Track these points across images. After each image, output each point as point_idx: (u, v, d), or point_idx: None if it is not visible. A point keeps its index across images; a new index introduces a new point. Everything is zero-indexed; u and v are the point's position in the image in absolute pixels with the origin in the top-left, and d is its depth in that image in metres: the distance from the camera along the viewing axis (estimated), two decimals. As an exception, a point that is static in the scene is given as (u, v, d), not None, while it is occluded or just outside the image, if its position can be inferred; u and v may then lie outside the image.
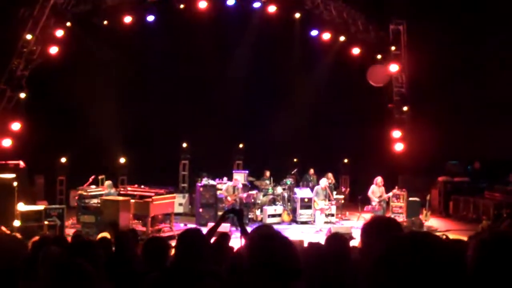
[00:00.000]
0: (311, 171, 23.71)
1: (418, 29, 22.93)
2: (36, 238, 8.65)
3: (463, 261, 2.15)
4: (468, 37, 22.77)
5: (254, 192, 21.91)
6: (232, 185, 20.73)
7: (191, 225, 19.83)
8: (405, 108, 23.82)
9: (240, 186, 20.95)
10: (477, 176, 24.19)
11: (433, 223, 21.00)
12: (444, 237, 8.90)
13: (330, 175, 22.35)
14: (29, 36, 21.00)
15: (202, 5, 22.70)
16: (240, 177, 22.05)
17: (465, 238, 8.86)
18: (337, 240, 6.01)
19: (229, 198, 20.41)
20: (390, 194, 20.51)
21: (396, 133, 23.54)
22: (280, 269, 3.10)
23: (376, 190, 19.61)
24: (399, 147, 23.41)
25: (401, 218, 20.40)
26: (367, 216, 20.25)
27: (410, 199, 21.07)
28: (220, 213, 19.53)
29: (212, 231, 6.51)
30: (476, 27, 22.38)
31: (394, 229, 3.79)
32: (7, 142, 20.90)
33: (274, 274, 3.10)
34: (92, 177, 20.89)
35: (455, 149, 24.00)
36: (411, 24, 23.23)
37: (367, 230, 3.94)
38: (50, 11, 21.02)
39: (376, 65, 23.45)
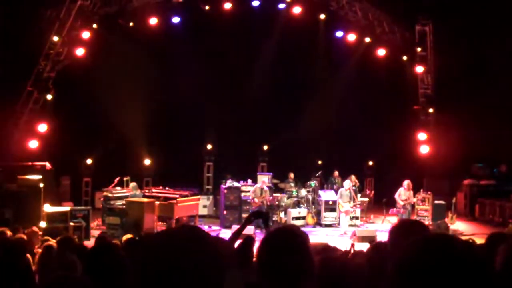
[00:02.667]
0: (336, 173, 23.63)
1: (445, 29, 22.74)
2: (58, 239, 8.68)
3: (487, 264, 2.12)
4: (495, 37, 22.54)
5: (279, 194, 21.87)
6: (259, 187, 20.71)
7: (216, 227, 19.89)
8: (430, 110, 23.61)
9: (267, 188, 20.92)
10: (503, 179, 23.93)
11: (458, 226, 20.81)
12: (470, 241, 8.78)
13: (353, 177, 22.24)
14: (55, 38, 21.17)
15: (227, 6, 22.71)
16: (264, 179, 22.00)
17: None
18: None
19: (256, 200, 20.38)
20: (415, 199, 20.35)
21: (422, 135, 23.30)
22: (286, 269, 3.06)
23: (403, 193, 19.50)
24: (424, 149, 23.18)
25: (426, 222, 20.23)
26: (392, 219, 20.17)
27: (436, 202, 20.90)
28: (244, 215, 19.54)
29: (237, 234, 6.48)
30: (503, 28, 22.13)
31: (420, 231, 3.77)
32: (33, 144, 21.07)
33: (280, 273, 3.06)
34: (117, 178, 20.99)
35: (481, 152, 23.77)
36: (437, 25, 23.03)
37: (394, 233, 3.94)
38: (76, 13, 21.17)
39: None
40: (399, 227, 3.99)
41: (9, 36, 21.29)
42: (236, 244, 7.04)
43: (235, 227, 9.20)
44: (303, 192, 22.18)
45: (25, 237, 10.20)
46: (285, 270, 3.03)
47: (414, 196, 20.13)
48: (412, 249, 2.08)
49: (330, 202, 21.33)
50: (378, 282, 4.99)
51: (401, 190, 19.60)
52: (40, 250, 9.92)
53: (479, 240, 10.21)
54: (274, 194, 21.56)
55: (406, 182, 19.62)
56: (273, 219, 20.89)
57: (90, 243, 15.55)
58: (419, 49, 23.20)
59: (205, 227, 19.82)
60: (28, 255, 7.61)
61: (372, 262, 5.64)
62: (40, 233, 11.43)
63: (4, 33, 21.69)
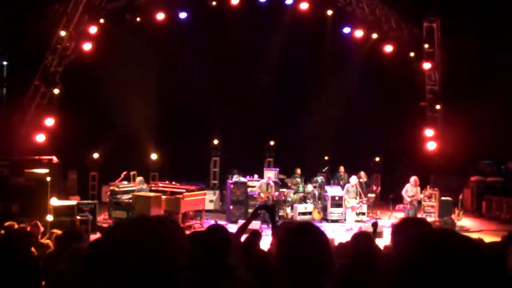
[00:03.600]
0: (341, 168, 23.58)
1: (452, 26, 22.66)
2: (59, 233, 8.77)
3: (497, 262, 2.10)
4: (503, 34, 22.46)
5: (285, 189, 21.85)
6: (265, 182, 20.72)
7: (222, 222, 19.89)
8: (438, 107, 23.54)
9: (273, 184, 20.93)
10: (510, 176, 23.87)
11: (465, 223, 20.77)
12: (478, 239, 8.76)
13: (362, 173, 22.20)
14: (63, 33, 21.21)
15: (234, 1, 22.72)
16: (271, 174, 22.01)
17: (498, 239, 8.70)
18: (363, 238, 5.91)
19: (262, 195, 20.39)
20: (422, 195, 20.31)
21: (429, 132, 23.24)
22: (310, 264, 3.03)
23: (410, 189, 19.46)
24: (431, 146, 23.13)
25: (433, 218, 20.23)
26: (399, 215, 20.16)
27: (443, 198, 20.86)
28: (250, 210, 19.52)
29: (243, 228, 6.48)
30: (511, 24, 22.04)
31: (423, 228, 3.76)
32: (41, 138, 21.13)
33: (304, 269, 3.03)
34: (124, 173, 21.03)
35: (489, 149, 23.72)
36: (445, 21, 22.95)
37: (396, 229, 3.93)
38: (84, 8, 21.20)
39: None
40: (400, 225, 3.98)
41: (17, 30, 21.35)
42: (243, 239, 7.05)
43: (242, 222, 9.20)
44: (310, 187, 22.19)
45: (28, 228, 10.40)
46: (307, 266, 3.01)
47: (421, 193, 20.10)
48: (412, 247, 2.06)
49: (337, 198, 21.31)
50: (363, 273, 4.98)
51: (408, 186, 19.56)
52: (47, 241, 10.07)
53: (487, 238, 10.21)
54: (280, 190, 21.56)
55: (413, 178, 19.58)
56: (280, 214, 20.90)
57: (96, 236, 15.62)
58: (426, 45, 23.11)
59: (211, 222, 19.85)
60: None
61: (355, 254, 5.64)
62: (42, 228, 11.49)
63: (12, 27, 21.76)
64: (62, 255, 5.59)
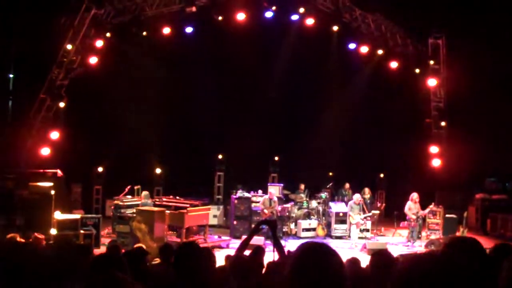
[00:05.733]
0: (347, 185, 23.57)
1: (457, 42, 22.67)
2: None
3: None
4: (508, 51, 22.44)
5: (288, 205, 21.76)
6: (268, 198, 20.68)
7: (226, 237, 19.84)
8: (443, 123, 23.49)
9: (276, 199, 20.88)
10: (515, 194, 23.82)
11: (470, 240, 20.63)
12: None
13: (366, 189, 22.20)
14: (69, 46, 21.30)
15: (241, 17, 22.75)
16: (275, 190, 21.97)
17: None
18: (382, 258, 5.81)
19: (266, 211, 20.35)
20: (427, 211, 20.26)
21: (434, 149, 23.19)
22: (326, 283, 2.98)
23: (412, 206, 19.40)
24: (436, 162, 23.06)
25: (437, 235, 20.17)
26: (403, 232, 20.10)
27: (447, 215, 20.82)
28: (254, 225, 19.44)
29: (245, 243, 6.46)
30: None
31: (475, 249, 3.73)
32: (45, 151, 21.16)
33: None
34: (128, 187, 21.03)
35: (494, 166, 23.65)
36: (450, 38, 22.97)
37: (451, 248, 3.87)
38: (90, 22, 21.30)
39: None
40: (454, 244, 3.93)
41: (23, 43, 21.44)
42: (247, 254, 7.02)
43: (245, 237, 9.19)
44: (314, 203, 22.15)
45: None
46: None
47: (425, 209, 20.04)
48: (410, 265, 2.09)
49: (341, 214, 21.26)
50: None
51: (410, 204, 19.49)
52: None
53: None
54: (284, 205, 21.50)
55: (415, 195, 19.54)
56: (283, 230, 20.83)
57: (100, 251, 15.60)
58: (432, 62, 23.11)
59: (215, 237, 19.81)
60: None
61: (375, 270, 5.59)
62: (42, 236, 11.48)
63: (18, 40, 21.85)
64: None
